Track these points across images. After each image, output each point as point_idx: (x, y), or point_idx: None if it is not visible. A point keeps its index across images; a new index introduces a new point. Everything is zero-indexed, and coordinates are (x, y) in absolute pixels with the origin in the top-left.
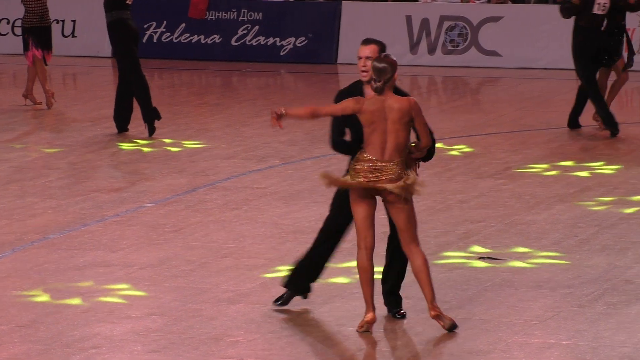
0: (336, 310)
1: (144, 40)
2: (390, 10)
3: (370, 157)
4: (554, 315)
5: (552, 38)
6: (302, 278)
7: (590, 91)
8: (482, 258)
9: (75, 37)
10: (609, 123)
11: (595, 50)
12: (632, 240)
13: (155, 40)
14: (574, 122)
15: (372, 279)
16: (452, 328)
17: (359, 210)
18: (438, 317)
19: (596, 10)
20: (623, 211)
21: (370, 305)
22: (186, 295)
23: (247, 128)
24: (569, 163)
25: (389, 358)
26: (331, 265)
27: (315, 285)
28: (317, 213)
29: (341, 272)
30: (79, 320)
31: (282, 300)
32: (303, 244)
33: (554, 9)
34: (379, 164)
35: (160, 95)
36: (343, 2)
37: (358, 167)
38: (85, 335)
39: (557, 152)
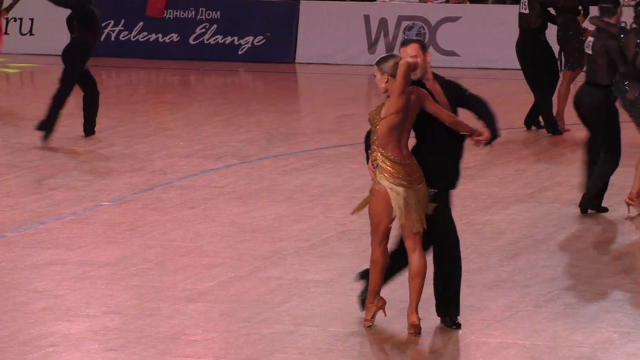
0: (294, 309)
1: (102, 39)
2: (348, 10)
3: (395, 157)
4: (511, 315)
5: (510, 38)
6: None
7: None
8: None
9: (33, 35)
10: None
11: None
12: (589, 240)
13: (113, 39)
14: (530, 122)
15: (383, 272)
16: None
17: (385, 219)
18: (416, 326)
19: None
20: (580, 212)
21: (377, 294)
22: (143, 294)
23: (205, 127)
24: (527, 163)
25: (345, 357)
26: (292, 263)
27: (272, 285)
28: (275, 212)
29: (300, 271)
30: (36, 319)
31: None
32: (261, 243)
33: (511, 9)
34: (405, 160)
35: (118, 94)
36: (301, 1)
37: (391, 170)
38: (43, 333)
39: (515, 152)
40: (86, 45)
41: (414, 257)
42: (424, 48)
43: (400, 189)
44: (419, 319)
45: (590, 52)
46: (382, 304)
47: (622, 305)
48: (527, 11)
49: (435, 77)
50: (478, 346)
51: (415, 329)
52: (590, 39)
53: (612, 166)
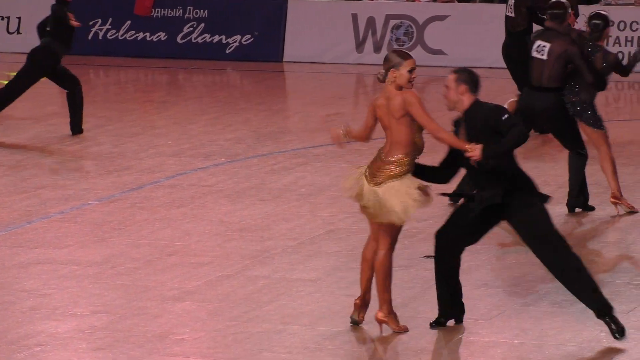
0: (282, 308)
1: (89, 38)
2: (337, 9)
3: (380, 151)
4: (499, 314)
5: (497, 37)
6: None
7: None
8: (427, 257)
9: (20, 33)
10: None
11: None
12: (576, 239)
13: (100, 38)
14: None
15: (371, 270)
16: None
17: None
18: (380, 321)
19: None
20: (567, 211)
21: (363, 292)
22: (131, 293)
23: (193, 125)
24: None
25: (333, 356)
26: (280, 262)
27: (260, 283)
28: (263, 211)
29: (288, 270)
30: (23, 318)
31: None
32: (249, 242)
33: (499, 8)
34: (382, 158)
35: (106, 92)
36: (289, 0)
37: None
38: (30, 332)
39: None
40: (58, 55)
41: (378, 254)
42: (461, 81)
43: (358, 172)
44: (384, 316)
45: (541, 56)
46: (358, 304)
47: None
48: (512, 14)
49: (475, 107)
50: (465, 345)
51: (381, 324)
52: (543, 43)
53: (582, 159)
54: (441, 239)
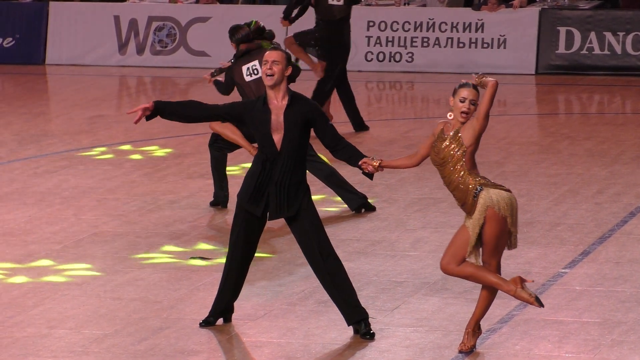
0: (48, 312)
1: None
2: (98, 11)
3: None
4: (265, 314)
5: None
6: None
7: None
8: (193, 258)
9: None
10: None
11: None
12: (339, 240)
13: None
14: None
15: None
16: None
17: None
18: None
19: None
20: (329, 209)
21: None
22: None
23: None
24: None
25: (100, 359)
26: (45, 265)
27: (25, 288)
28: (27, 215)
29: (53, 273)
30: None
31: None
32: (13, 246)
33: (261, 9)
34: None
35: None
36: (50, 2)
37: None
38: None
39: None
40: None
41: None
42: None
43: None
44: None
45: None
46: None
47: (373, 302)
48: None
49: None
50: (233, 345)
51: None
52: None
53: None
54: (236, 246)
